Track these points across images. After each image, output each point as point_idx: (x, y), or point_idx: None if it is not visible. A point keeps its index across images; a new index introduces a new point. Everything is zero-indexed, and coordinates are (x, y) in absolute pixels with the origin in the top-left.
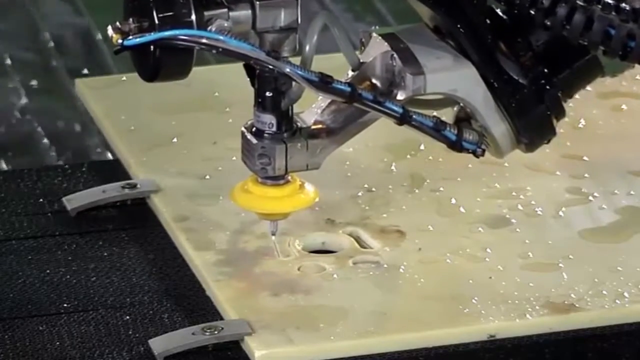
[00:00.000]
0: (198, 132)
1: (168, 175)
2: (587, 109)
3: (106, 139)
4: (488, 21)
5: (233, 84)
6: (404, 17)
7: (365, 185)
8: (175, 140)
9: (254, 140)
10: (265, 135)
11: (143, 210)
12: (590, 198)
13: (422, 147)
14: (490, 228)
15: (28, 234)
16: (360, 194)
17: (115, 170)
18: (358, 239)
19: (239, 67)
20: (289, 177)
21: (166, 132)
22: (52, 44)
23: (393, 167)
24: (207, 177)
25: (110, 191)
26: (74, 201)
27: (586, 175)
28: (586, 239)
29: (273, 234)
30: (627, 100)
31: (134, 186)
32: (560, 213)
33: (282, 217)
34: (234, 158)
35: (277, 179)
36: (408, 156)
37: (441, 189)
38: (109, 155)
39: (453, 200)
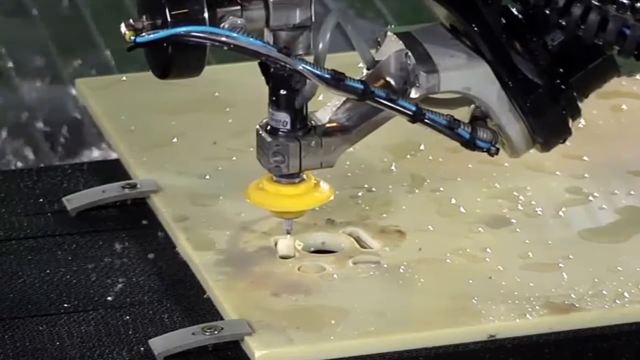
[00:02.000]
0: (198, 132)
1: (168, 175)
2: (587, 109)
3: (106, 139)
4: (503, 20)
5: (233, 84)
6: (403, 16)
7: (365, 185)
8: (175, 140)
9: (268, 139)
10: (280, 133)
11: (143, 210)
12: (590, 198)
13: (422, 147)
14: (490, 228)
15: (28, 234)
16: (360, 194)
17: (115, 170)
18: (358, 239)
19: (239, 68)
20: (304, 176)
21: (166, 132)
22: None
23: (393, 167)
24: (207, 177)
25: (110, 191)
26: (74, 201)
27: (586, 175)
28: (586, 239)
29: (288, 233)
30: (627, 100)
31: (134, 186)
32: (560, 213)
33: (297, 215)
34: (234, 158)
35: (292, 177)
36: (408, 156)
37: (441, 189)
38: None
39: (453, 200)
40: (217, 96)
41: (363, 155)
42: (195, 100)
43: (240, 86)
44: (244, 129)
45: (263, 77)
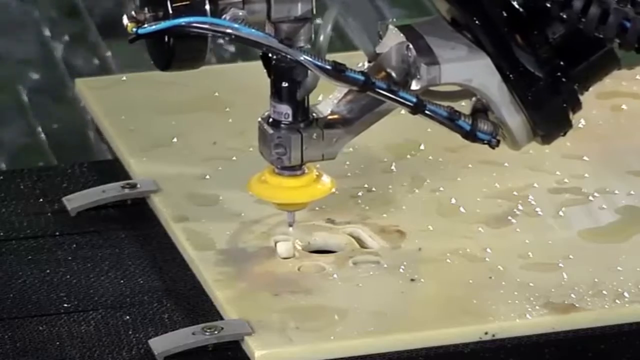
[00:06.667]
0: (198, 132)
1: (168, 175)
2: (587, 109)
3: (106, 139)
4: (504, 13)
5: (233, 84)
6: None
7: (365, 185)
8: (175, 140)
9: (270, 131)
10: (282, 125)
11: (143, 210)
12: (590, 198)
13: (422, 147)
14: (490, 228)
15: (28, 234)
16: (360, 194)
17: (115, 170)
18: (358, 239)
19: (239, 68)
20: (306, 168)
21: (166, 132)
22: None
23: (393, 167)
24: (207, 177)
25: (110, 191)
26: (74, 201)
27: (586, 175)
28: (586, 239)
29: (290, 225)
30: (627, 100)
31: (134, 186)
32: (560, 213)
33: (300, 207)
34: (234, 158)
35: (294, 170)
36: (408, 156)
37: (441, 189)
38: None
39: (453, 200)
40: (217, 96)
41: (363, 155)
42: (195, 100)
43: (240, 86)
44: (244, 129)
45: (265, 70)
